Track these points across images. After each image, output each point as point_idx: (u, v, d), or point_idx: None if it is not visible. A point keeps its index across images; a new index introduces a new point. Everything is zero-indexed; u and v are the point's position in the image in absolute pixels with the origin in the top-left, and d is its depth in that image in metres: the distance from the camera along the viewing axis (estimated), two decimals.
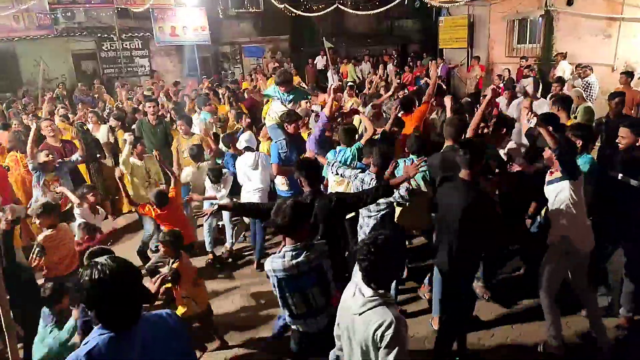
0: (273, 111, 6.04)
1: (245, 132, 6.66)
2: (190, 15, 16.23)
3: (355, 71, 15.94)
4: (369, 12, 15.20)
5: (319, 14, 15.47)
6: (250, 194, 5.35)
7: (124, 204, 6.83)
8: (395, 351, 2.02)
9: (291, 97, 5.69)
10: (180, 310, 3.75)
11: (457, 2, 13.94)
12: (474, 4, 13.95)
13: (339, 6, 15.31)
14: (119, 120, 7.51)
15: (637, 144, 3.56)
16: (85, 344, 1.69)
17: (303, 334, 2.90)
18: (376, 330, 2.05)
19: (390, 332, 2.03)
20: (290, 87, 5.63)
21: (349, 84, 10.92)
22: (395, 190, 3.43)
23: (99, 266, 1.65)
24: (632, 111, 7.52)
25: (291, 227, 2.72)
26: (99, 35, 15.97)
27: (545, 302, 3.57)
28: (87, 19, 15.66)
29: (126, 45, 16.48)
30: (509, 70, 11.52)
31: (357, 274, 2.31)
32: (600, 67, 10.36)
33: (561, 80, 8.00)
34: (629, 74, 8.03)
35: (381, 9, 13.79)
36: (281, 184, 5.26)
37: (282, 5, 15.61)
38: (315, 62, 17.05)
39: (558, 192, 3.42)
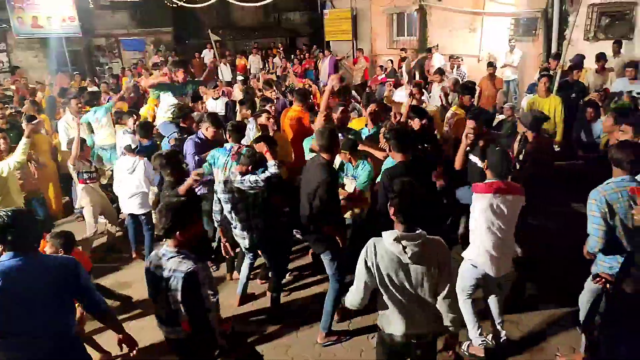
0: (164, 108, 5.75)
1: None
2: (55, 4, 14.52)
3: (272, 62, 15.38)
4: (254, 4, 14.92)
5: (203, 5, 14.84)
6: (129, 201, 5.04)
7: None
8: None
9: (187, 87, 5.64)
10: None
11: None
12: None
13: None
14: None
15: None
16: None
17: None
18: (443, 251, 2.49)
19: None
20: (185, 73, 5.83)
21: (240, 77, 10.70)
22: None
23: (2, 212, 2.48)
24: (496, 98, 8.42)
25: (170, 230, 2.56)
26: None
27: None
28: None
29: None
30: (392, 61, 12.18)
31: (388, 232, 2.48)
32: (468, 58, 11.41)
33: (441, 71, 8.61)
34: (492, 64, 8.96)
35: (266, 1, 13.66)
36: None
37: None
38: (202, 55, 16.40)
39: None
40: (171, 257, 2.55)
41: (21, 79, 12.08)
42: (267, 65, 15.25)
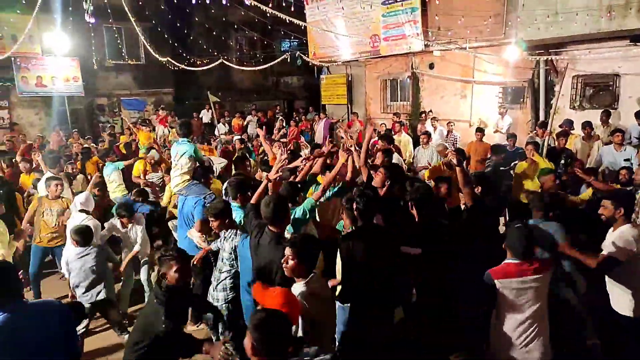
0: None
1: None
2: (60, 65, 15.06)
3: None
4: (253, 68, 15.54)
5: (203, 68, 15.43)
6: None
7: None
8: None
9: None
10: None
11: (336, 62, 14.93)
12: (351, 64, 15.06)
13: (224, 61, 15.47)
14: None
15: None
16: None
17: None
18: None
19: None
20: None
21: (237, 137, 10.89)
22: None
23: None
24: (484, 163, 8.49)
25: None
26: None
27: None
28: None
29: None
30: (385, 125, 12.43)
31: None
32: (460, 123, 11.68)
33: (427, 134, 8.84)
34: (481, 130, 9.15)
35: (264, 66, 14.21)
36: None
37: (164, 59, 15.31)
38: (200, 115, 16.78)
39: None
40: None
41: (19, 135, 12.24)
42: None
